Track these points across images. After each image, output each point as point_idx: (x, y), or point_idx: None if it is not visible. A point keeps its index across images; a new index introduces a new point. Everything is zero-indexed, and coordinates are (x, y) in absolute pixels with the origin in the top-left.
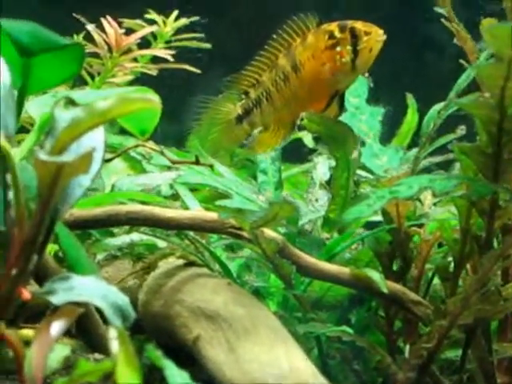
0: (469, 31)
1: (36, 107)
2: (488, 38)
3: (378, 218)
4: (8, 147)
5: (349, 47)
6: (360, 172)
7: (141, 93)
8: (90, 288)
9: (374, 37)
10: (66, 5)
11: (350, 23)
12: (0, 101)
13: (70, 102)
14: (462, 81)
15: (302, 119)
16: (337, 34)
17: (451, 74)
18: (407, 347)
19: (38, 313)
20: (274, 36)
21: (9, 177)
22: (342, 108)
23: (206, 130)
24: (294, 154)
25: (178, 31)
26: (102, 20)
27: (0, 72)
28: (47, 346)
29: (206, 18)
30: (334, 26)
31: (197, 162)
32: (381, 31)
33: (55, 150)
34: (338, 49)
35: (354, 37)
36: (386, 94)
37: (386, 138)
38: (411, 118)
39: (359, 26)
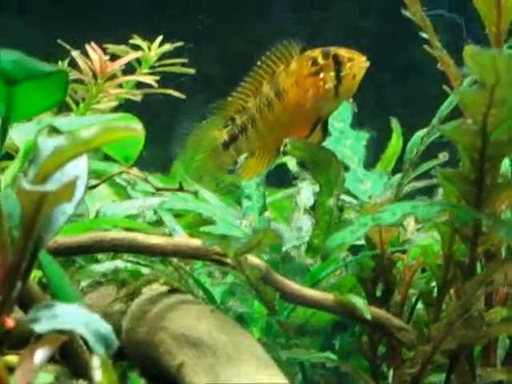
0: (452, 55)
1: (20, 134)
2: (471, 65)
3: (363, 241)
4: None
5: (332, 74)
6: (344, 197)
7: (124, 121)
8: (73, 316)
9: (357, 63)
10: (53, 29)
11: (333, 50)
12: None
13: (54, 130)
14: (445, 107)
15: (285, 145)
16: (320, 60)
17: (436, 99)
18: (391, 372)
19: (24, 339)
20: (259, 62)
21: None
22: (325, 134)
23: (191, 156)
24: (279, 178)
25: (163, 56)
26: (87, 46)
27: None
28: (31, 374)
29: (190, 43)
30: (317, 53)
31: (181, 189)
32: (364, 58)
33: (38, 179)
34: (321, 75)
35: (338, 63)
36: (370, 118)
37: (371, 161)
38: (395, 142)
39: (342, 52)
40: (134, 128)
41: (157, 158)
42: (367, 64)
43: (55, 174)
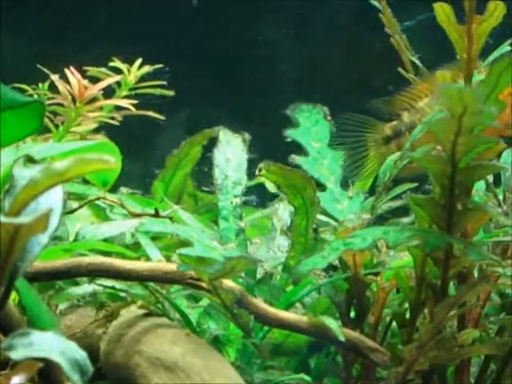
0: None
1: None
2: (440, 96)
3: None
4: None
5: None
6: (321, 217)
7: (99, 150)
8: (49, 343)
9: None
10: (35, 46)
11: None
12: None
13: (30, 160)
14: (417, 132)
15: (260, 169)
16: None
17: None
18: None
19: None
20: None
21: None
22: None
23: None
24: (256, 197)
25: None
26: (66, 70)
27: None
28: None
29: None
30: None
31: (156, 215)
32: None
33: (14, 209)
34: None
35: None
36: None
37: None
38: None
39: None
40: (108, 160)
41: (137, 172)
42: None
43: (30, 204)
